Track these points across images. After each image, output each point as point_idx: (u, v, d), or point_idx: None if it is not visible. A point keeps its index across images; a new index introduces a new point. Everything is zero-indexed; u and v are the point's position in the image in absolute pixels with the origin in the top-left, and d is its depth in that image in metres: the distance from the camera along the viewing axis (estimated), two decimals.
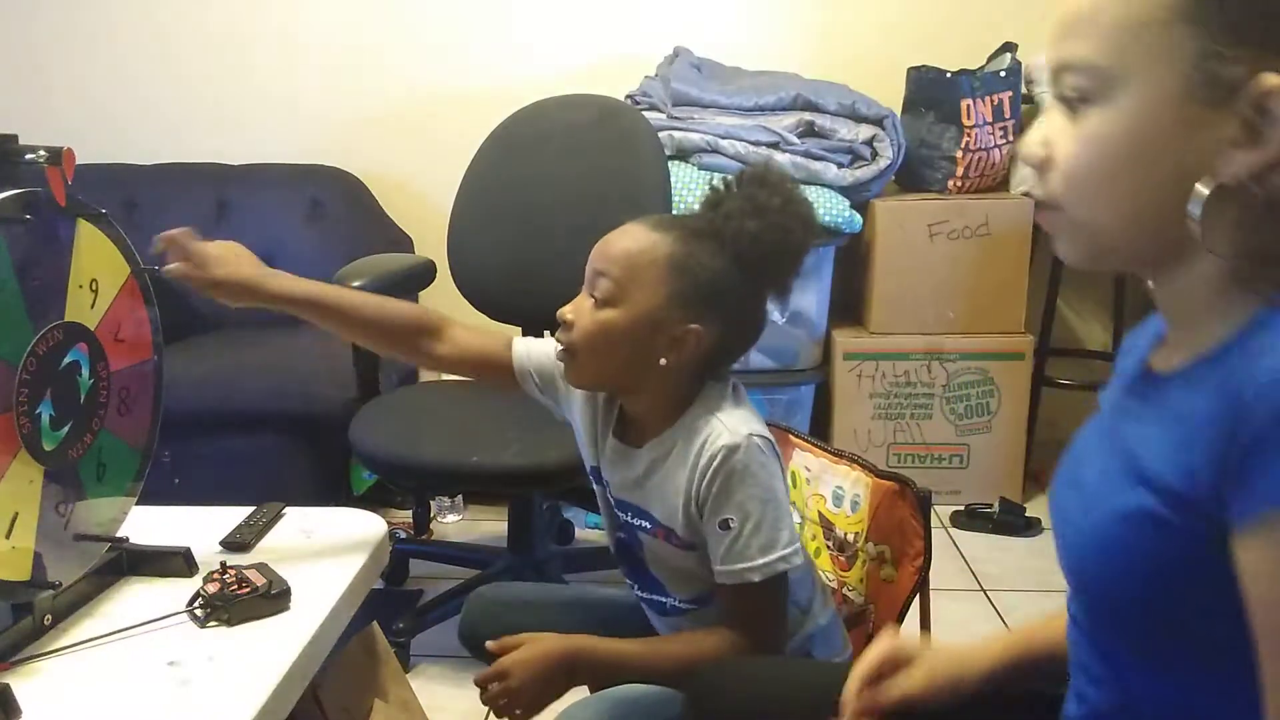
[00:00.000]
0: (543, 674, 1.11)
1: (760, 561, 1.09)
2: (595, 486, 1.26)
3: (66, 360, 0.96)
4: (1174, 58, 0.65)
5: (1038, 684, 0.94)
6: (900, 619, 1.21)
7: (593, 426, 1.23)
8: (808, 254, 1.14)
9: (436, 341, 1.27)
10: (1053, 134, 0.72)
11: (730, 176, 1.15)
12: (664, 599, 1.21)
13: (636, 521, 1.19)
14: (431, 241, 2.42)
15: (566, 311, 1.14)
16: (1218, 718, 0.71)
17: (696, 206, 2.43)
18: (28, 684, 0.88)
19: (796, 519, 1.38)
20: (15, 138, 0.94)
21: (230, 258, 1.19)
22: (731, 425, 1.10)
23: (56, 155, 0.92)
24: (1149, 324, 0.82)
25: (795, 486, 1.39)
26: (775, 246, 1.11)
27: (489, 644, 1.15)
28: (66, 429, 0.96)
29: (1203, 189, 0.65)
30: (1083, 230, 0.72)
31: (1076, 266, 0.76)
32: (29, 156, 0.93)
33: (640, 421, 1.18)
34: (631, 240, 1.13)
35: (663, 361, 1.11)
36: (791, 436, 1.40)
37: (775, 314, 1.21)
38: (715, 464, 1.09)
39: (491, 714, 1.13)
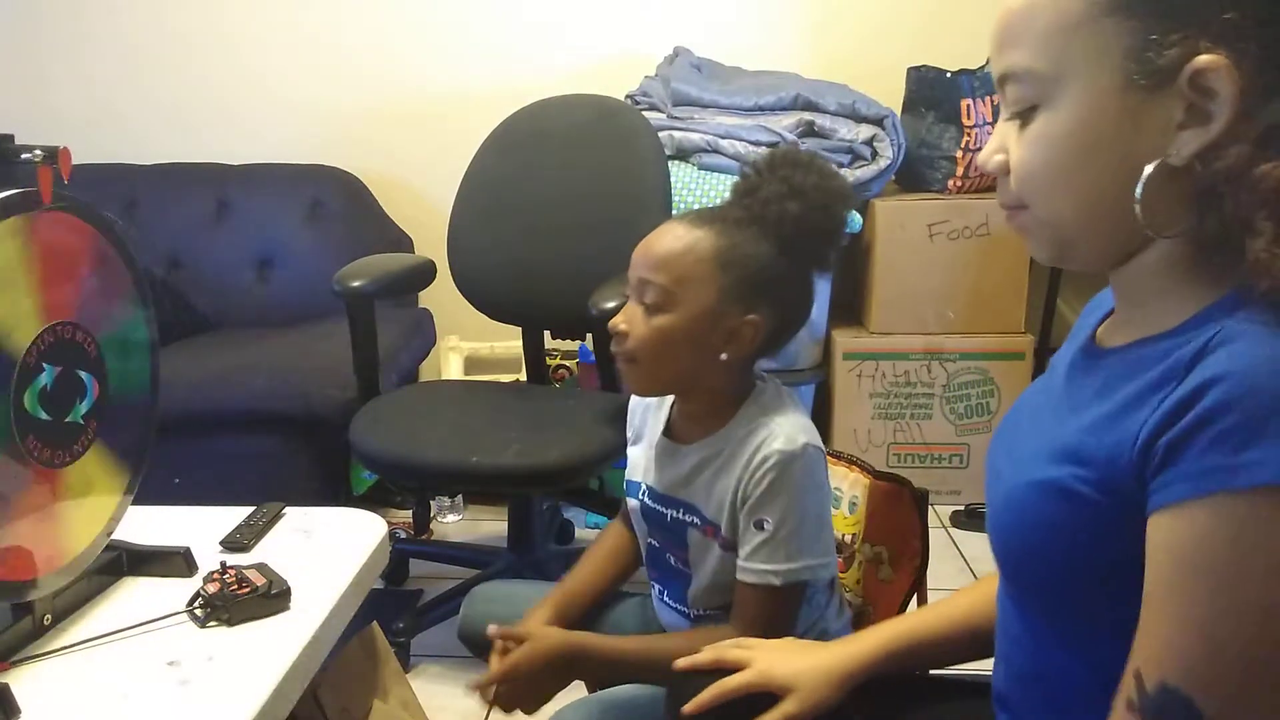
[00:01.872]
0: (546, 670, 1.12)
1: (785, 567, 1.09)
2: (631, 500, 1.26)
3: (78, 372, 0.96)
4: (1108, 52, 0.67)
5: (917, 668, 0.99)
6: None
7: (639, 443, 1.25)
8: (846, 227, 1.14)
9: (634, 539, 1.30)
10: (1005, 141, 0.74)
11: (759, 161, 1.14)
12: (688, 610, 1.20)
13: (687, 518, 1.17)
14: (431, 241, 2.43)
15: (619, 322, 1.14)
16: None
17: (696, 206, 2.46)
18: (27, 684, 0.88)
19: None
20: (11, 137, 0.93)
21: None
22: (789, 431, 1.10)
23: (53, 154, 0.92)
24: (1101, 297, 0.84)
25: None
26: (819, 225, 1.11)
27: (490, 629, 1.16)
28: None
29: (1147, 169, 0.66)
30: (1046, 227, 0.74)
31: (1046, 263, 0.78)
32: (25, 156, 0.92)
33: (693, 418, 1.18)
34: (673, 240, 1.11)
35: (724, 356, 1.11)
36: None
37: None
38: (766, 466, 1.08)
39: (491, 714, 1.14)
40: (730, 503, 1.12)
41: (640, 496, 1.23)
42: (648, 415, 1.26)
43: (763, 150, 2.45)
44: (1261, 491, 0.59)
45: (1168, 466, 0.63)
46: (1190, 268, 0.69)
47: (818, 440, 1.12)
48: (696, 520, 1.16)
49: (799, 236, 1.10)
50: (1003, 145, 0.74)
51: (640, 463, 1.25)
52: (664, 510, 1.20)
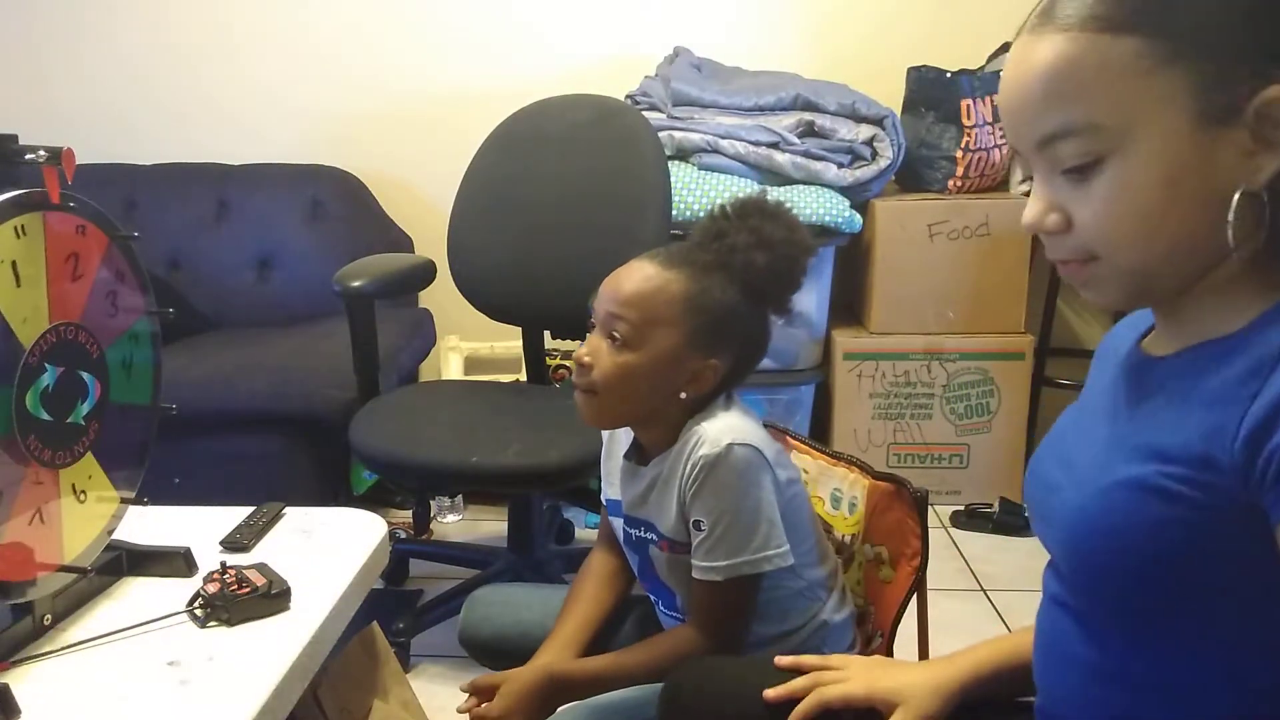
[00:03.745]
0: (530, 707, 1.14)
1: (724, 563, 1.12)
2: (613, 519, 1.29)
3: (80, 373, 0.96)
4: (1174, 97, 0.67)
5: (1007, 692, 0.95)
6: (897, 619, 1.22)
7: (610, 461, 1.28)
8: (805, 276, 1.19)
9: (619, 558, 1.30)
10: (1061, 200, 0.73)
11: (727, 206, 1.18)
12: (681, 616, 1.22)
13: (647, 535, 1.21)
14: (431, 241, 2.43)
15: (583, 354, 1.16)
16: (1199, 694, 0.72)
17: (696, 206, 2.46)
18: (27, 684, 0.88)
19: None
20: (15, 138, 0.93)
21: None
22: (713, 435, 1.12)
23: (56, 155, 0.92)
24: (1128, 321, 0.84)
25: None
26: (783, 275, 1.16)
27: (462, 687, 1.18)
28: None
29: (1236, 197, 0.67)
30: (1126, 274, 0.73)
31: (1120, 308, 0.78)
32: (29, 156, 0.92)
33: (650, 442, 1.21)
34: (644, 280, 1.14)
35: (683, 395, 1.14)
36: (789, 439, 1.40)
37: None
38: (694, 470, 1.12)
39: None
40: (677, 513, 1.15)
41: (619, 514, 1.26)
42: (616, 433, 1.29)
43: (763, 151, 2.46)
44: None
45: (1277, 481, 0.62)
46: (1252, 274, 0.70)
47: (749, 438, 1.13)
48: (654, 537, 1.20)
49: (764, 284, 1.15)
50: (1054, 203, 0.73)
51: (611, 480, 1.28)
52: (629, 530, 1.24)
